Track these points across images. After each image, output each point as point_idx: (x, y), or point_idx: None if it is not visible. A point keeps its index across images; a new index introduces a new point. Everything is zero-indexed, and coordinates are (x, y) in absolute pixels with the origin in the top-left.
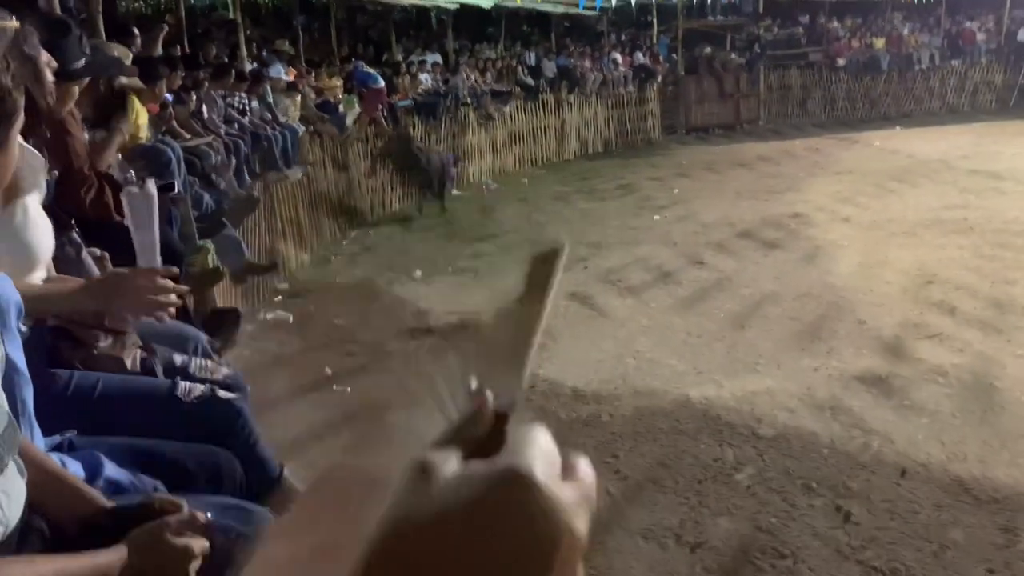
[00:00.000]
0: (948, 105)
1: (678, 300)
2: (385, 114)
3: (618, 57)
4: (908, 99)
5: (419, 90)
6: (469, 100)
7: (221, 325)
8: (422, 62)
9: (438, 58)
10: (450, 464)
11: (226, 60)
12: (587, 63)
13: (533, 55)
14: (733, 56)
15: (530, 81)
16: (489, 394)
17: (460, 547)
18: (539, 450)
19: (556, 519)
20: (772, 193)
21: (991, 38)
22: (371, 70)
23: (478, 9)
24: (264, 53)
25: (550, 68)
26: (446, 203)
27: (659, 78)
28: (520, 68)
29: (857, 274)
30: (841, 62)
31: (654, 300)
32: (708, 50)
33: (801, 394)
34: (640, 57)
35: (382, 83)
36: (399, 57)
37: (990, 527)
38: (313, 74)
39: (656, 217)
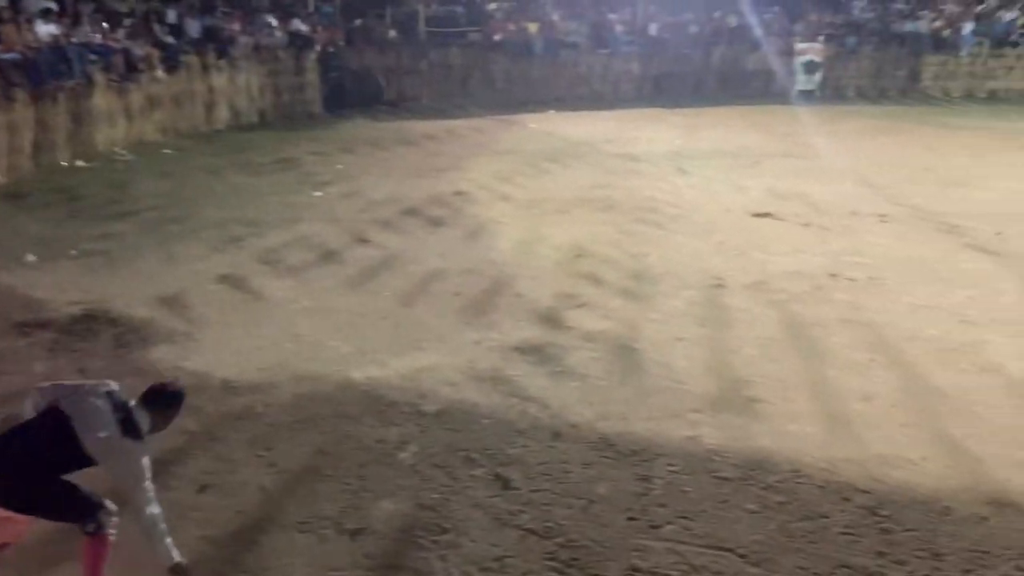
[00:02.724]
0: (594, 91)
1: (342, 280)
2: None
3: (273, 21)
4: (560, 84)
5: (32, 43)
6: (95, 58)
7: None
8: (46, 11)
9: (53, 5)
10: None
11: None
12: (237, 26)
13: (174, 12)
14: (392, 32)
15: (171, 40)
16: None
17: None
18: None
19: None
20: (437, 171)
21: (629, 30)
22: None
23: None
24: None
25: (194, 28)
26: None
27: (318, 47)
28: (158, 26)
29: (516, 249)
30: (497, 37)
31: (317, 280)
32: (359, 22)
33: (464, 368)
34: (298, 24)
35: None
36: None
37: (630, 478)
38: None
39: (319, 193)
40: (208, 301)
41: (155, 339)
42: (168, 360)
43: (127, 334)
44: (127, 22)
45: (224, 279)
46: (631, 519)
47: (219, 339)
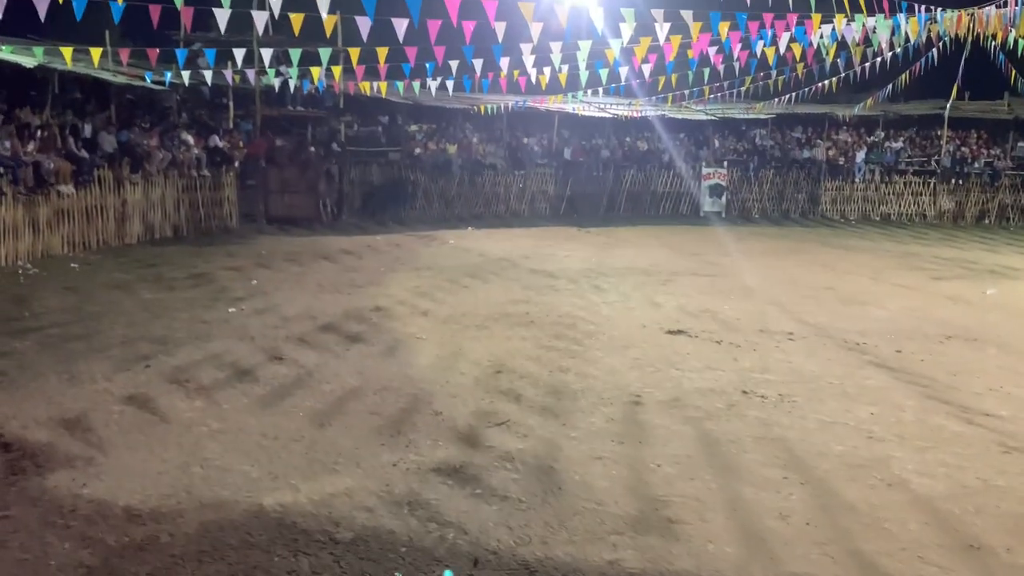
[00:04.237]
0: (511, 210)
1: (254, 399)
2: None
3: (189, 139)
4: (478, 202)
5: None
6: (2, 171)
7: None
8: None
9: None
10: None
11: None
12: (154, 141)
13: (89, 126)
14: (312, 149)
15: (84, 155)
16: None
17: None
18: None
19: None
20: (355, 286)
21: (544, 153)
22: None
23: (19, 68)
24: None
25: (109, 142)
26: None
27: (236, 164)
28: (73, 140)
29: (435, 366)
30: (417, 151)
31: (227, 400)
32: (279, 143)
33: (380, 491)
34: (216, 140)
35: None
36: None
37: None
38: None
39: (232, 310)
40: (112, 423)
41: (53, 465)
42: (65, 487)
43: (22, 459)
44: (40, 134)
45: (130, 400)
46: None
47: (122, 464)
